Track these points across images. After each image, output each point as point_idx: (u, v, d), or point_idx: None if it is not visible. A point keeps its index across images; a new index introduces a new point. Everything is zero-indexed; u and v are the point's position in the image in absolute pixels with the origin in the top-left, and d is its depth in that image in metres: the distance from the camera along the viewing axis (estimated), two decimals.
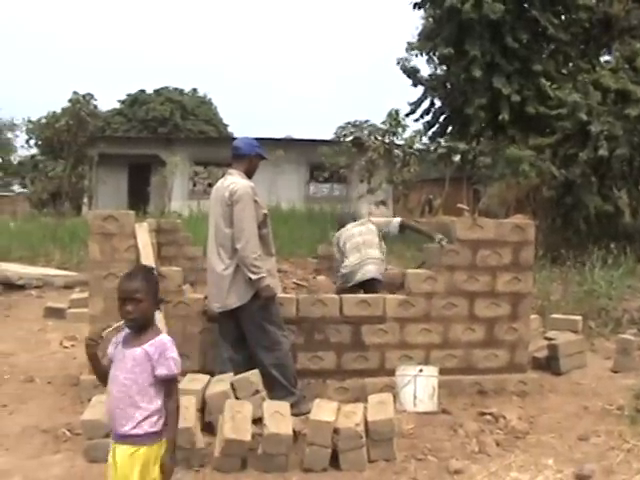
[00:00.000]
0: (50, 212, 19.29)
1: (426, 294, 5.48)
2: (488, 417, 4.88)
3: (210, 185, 22.00)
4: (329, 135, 28.35)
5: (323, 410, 4.11)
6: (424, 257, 6.45)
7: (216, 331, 5.14)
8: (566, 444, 4.56)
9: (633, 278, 9.80)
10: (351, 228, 6.66)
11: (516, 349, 5.67)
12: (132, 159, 22.71)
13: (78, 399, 5.12)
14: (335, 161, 19.78)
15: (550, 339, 6.63)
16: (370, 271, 6.33)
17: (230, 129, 36.71)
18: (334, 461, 4.06)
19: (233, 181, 4.85)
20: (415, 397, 4.97)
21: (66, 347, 6.70)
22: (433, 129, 18.73)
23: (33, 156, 27.27)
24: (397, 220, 6.90)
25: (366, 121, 30.29)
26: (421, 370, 5.00)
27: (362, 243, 6.58)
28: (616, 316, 8.01)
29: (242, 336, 4.92)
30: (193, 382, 4.52)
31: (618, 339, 6.60)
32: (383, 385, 5.30)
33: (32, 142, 26.97)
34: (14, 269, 9.88)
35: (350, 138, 27.48)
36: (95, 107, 23.82)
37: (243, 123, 66.28)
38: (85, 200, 21.87)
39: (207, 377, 4.60)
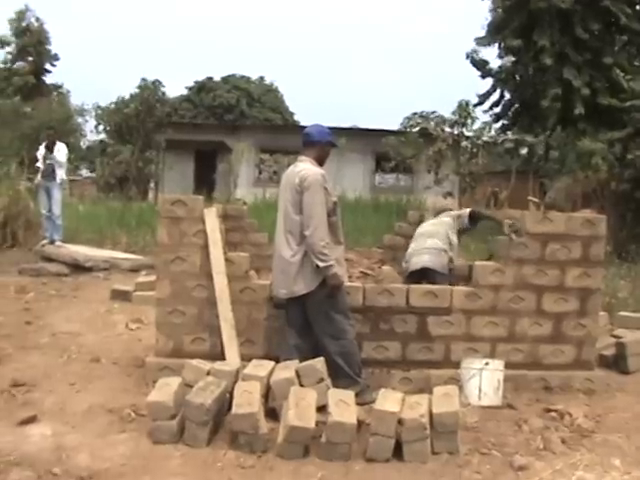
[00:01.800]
0: (117, 196, 19.75)
1: (493, 287, 5.40)
2: (553, 414, 4.79)
3: (275, 173, 22.22)
4: (395, 125, 28.11)
5: (388, 400, 4.10)
6: (491, 249, 6.36)
7: (282, 318, 5.18)
8: (634, 445, 4.43)
9: None
10: (429, 219, 6.66)
11: (583, 346, 5.53)
12: (198, 145, 23.02)
13: (143, 381, 5.22)
14: (401, 151, 19.61)
15: (618, 337, 6.46)
16: (422, 261, 6.28)
17: (296, 117, 36.85)
18: (397, 452, 4.04)
19: (304, 168, 4.87)
20: (480, 390, 4.91)
21: (131, 329, 6.85)
22: (502, 121, 18.43)
23: (101, 141, 27.96)
24: (467, 211, 6.84)
25: (433, 112, 29.92)
26: (487, 363, 4.94)
27: (424, 233, 6.55)
28: None
29: (308, 323, 4.95)
30: (258, 368, 4.56)
31: None
32: (447, 377, 5.26)
33: (100, 127, 27.65)
34: (82, 251, 10.16)
35: (417, 129, 27.24)
36: (163, 94, 24.24)
37: (309, 111, 66.42)
38: (152, 185, 22.30)
39: (272, 363, 4.63)
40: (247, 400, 4.06)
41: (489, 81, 19.02)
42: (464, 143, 17.65)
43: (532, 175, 32.74)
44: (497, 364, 4.98)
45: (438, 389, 4.36)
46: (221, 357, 5.05)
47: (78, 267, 9.50)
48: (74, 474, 3.68)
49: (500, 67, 18.41)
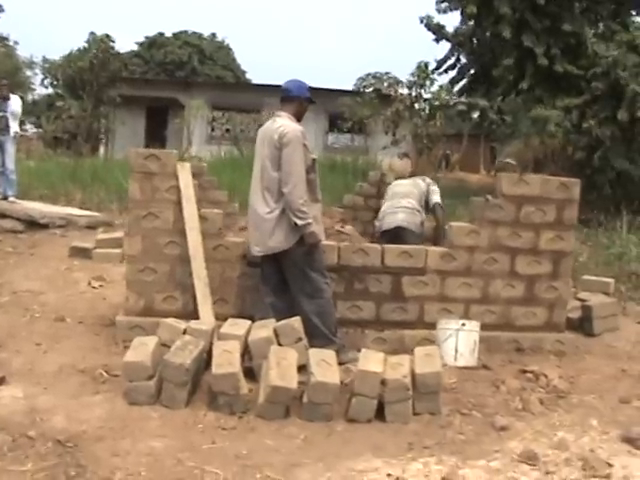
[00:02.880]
0: (65, 152, 19.10)
1: (468, 248, 5.39)
2: (529, 375, 4.82)
3: (228, 130, 21.82)
4: (348, 86, 27.91)
5: (370, 360, 4.04)
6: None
7: (255, 276, 5.07)
8: (608, 406, 4.49)
9: None
10: (402, 180, 6.58)
11: (555, 308, 5.59)
12: (150, 102, 22.40)
13: (112, 340, 5.06)
14: (357, 112, 19.45)
15: (582, 300, 6.54)
16: (397, 220, 6.23)
17: (247, 76, 36.21)
18: (379, 413, 4.01)
19: (282, 124, 4.71)
20: (456, 351, 4.91)
21: (94, 287, 6.63)
22: (459, 85, 18.39)
23: (49, 95, 26.90)
24: (436, 199, 6.78)
25: (386, 73, 29.84)
26: (464, 324, 4.93)
27: (398, 193, 6.48)
28: None
29: (283, 282, 4.85)
30: (234, 327, 4.45)
31: None
32: (421, 338, 5.26)
33: (47, 81, 26.60)
34: (37, 207, 9.78)
35: (370, 89, 27.10)
36: (112, 49, 23.39)
37: (260, 70, 65.18)
38: (103, 141, 21.64)
39: (248, 322, 4.52)
40: (227, 360, 3.95)
41: (447, 46, 18.89)
42: (421, 105, 17.59)
43: (484, 139, 33.06)
44: (473, 325, 4.98)
45: (419, 349, 4.32)
46: (193, 316, 4.91)
47: (33, 224, 9.13)
48: (50, 437, 3.50)
49: (456, 31, 18.28)
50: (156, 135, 21.50)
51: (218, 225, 5.10)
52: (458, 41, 17.74)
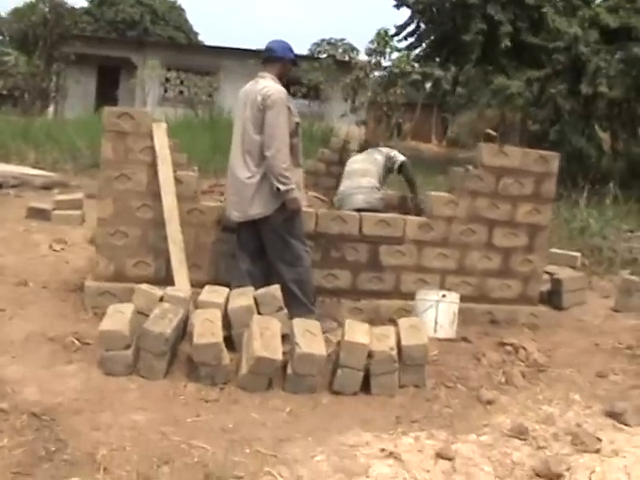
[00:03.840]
0: (12, 110, 18.31)
1: (446, 218, 5.31)
2: (508, 348, 4.79)
3: (182, 92, 21.27)
4: (303, 51, 27.53)
5: (356, 331, 3.93)
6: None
7: (230, 242, 4.90)
8: (586, 380, 4.50)
9: (615, 218, 9.79)
10: (358, 155, 6.52)
11: (529, 281, 5.59)
12: (102, 61, 21.59)
13: (81, 306, 4.83)
14: (314, 77, 19.20)
15: (550, 274, 6.57)
16: (357, 201, 6.06)
17: (200, 37, 35.36)
18: (363, 385, 3.92)
19: (266, 85, 4.51)
20: (436, 323, 4.85)
21: (56, 250, 6.34)
22: (417, 52, 18.32)
23: None
24: (401, 159, 6.47)
25: (342, 39, 29.59)
26: (444, 295, 4.87)
27: (356, 171, 6.30)
28: (608, 255, 8.02)
29: (261, 248, 4.69)
30: (213, 294, 4.26)
31: (622, 279, 6.59)
32: (397, 307, 5.20)
33: None
34: None
35: (325, 55, 26.84)
36: (65, 4, 22.35)
37: (213, 32, 63.48)
38: (53, 100, 20.77)
39: (226, 290, 4.35)
40: (209, 329, 3.79)
41: (408, 12, 18.73)
42: (381, 72, 17.46)
43: (436, 109, 33.14)
44: (453, 297, 4.93)
45: (403, 321, 4.23)
46: (166, 282, 4.71)
47: None
48: (24, 410, 3.27)
49: None
50: (107, 95, 20.75)
51: (193, 188, 4.89)
52: (418, 8, 17.60)
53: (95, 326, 4.48)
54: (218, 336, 3.77)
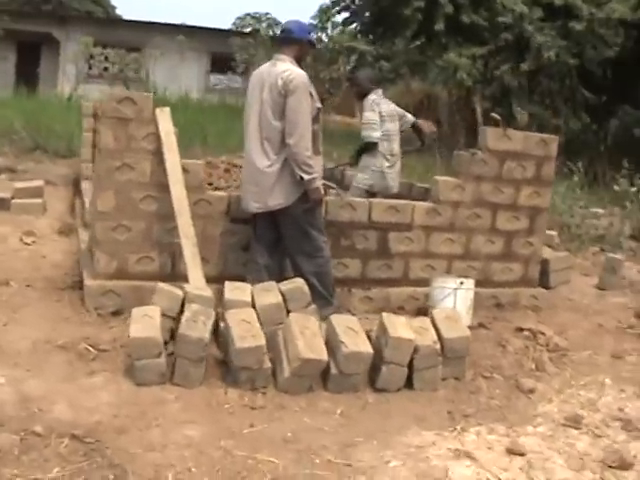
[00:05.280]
0: None
1: (453, 203, 5.22)
2: (526, 333, 4.77)
3: (106, 69, 20.35)
4: (226, 25, 26.93)
5: (398, 326, 3.77)
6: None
7: (239, 233, 4.67)
8: (605, 362, 4.55)
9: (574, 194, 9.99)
10: (388, 101, 6.52)
11: (529, 263, 5.60)
12: (21, 36, 20.29)
13: (80, 307, 4.47)
14: (251, 53, 18.71)
15: None
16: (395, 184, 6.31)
17: (118, 11, 33.81)
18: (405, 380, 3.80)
19: (288, 68, 4.25)
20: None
21: (27, 244, 5.86)
22: (352, 27, 18.12)
23: None
24: (412, 118, 6.68)
25: (266, 14, 29.03)
26: (462, 283, 4.77)
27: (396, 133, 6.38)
28: (577, 233, 8.16)
29: (277, 240, 4.47)
30: (237, 292, 3.99)
31: (606, 257, 6.70)
32: (406, 295, 5.12)
33: None
34: None
35: (249, 30, 26.30)
36: None
37: (131, 6, 60.60)
38: None
39: (248, 286, 4.09)
40: (248, 331, 3.55)
41: None
42: (320, 48, 17.19)
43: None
44: (470, 283, 4.84)
45: (437, 312, 4.12)
46: (171, 278, 4.45)
47: None
48: (63, 432, 2.94)
49: None
50: (28, 73, 19.58)
51: (200, 177, 4.59)
52: None
53: (103, 329, 4.21)
54: (260, 338, 3.54)
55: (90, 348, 3.84)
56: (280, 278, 4.33)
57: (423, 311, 4.91)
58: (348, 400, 3.61)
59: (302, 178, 4.20)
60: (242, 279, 4.35)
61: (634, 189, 8.86)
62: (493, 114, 5.32)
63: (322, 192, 4.35)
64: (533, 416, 3.64)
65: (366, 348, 3.63)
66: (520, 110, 12.62)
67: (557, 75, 13.02)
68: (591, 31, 12.48)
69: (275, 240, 4.46)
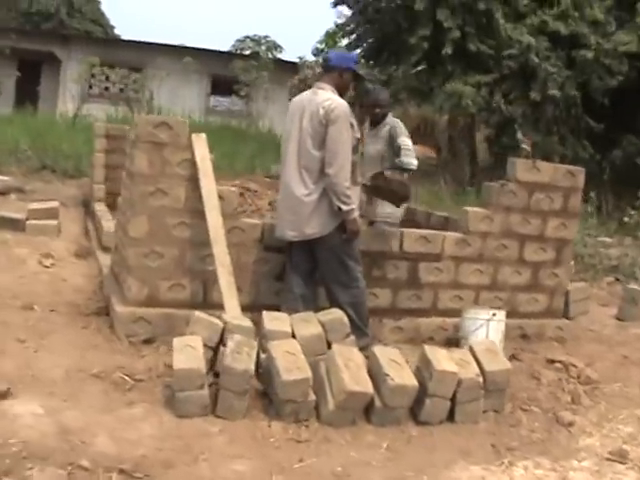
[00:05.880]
0: None
1: (482, 234, 5.21)
2: (558, 365, 4.75)
3: (107, 89, 20.39)
4: (225, 47, 27.09)
5: (441, 359, 3.75)
6: None
7: (272, 261, 4.64)
8: (638, 395, 4.54)
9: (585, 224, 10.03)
10: (401, 123, 5.81)
11: (555, 294, 5.59)
12: (23, 54, 20.32)
13: (109, 334, 4.40)
14: (255, 75, 18.79)
15: None
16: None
17: (116, 31, 33.94)
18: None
19: (329, 97, 4.24)
20: None
21: (46, 267, 5.80)
22: (357, 52, 18.20)
23: None
24: (415, 162, 5.63)
25: (265, 36, 29.24)
26: (494, 314, 4.75)
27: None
28: (591, 263, 8.19)
29: (312, 270, 4.45)
30: (277, 322, 3.94)
31: (625, 288, 6.72)
32: (436, 326, 5.09)
33: None
34: None
35: (248, 52, 26.48)
36: None
37: (130, 26, 60.68)
38: None
39: (286, 316, 4.06)
40: (294, 363, 3.51)
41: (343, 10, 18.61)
42: None
43: (358, 106, 33.29)
44: (502, 315, 4.82)
45: (477, 344, 4.10)
46: (203, 306, 4.40)
47: None
48: (109, 466, 2.88)
49: None
50: (28, 91, 19.57)
51: (234, 204, 4.57)
52: (359, 8, 17.51)
53: (135, 358, 4.14)
54: (306, 370, 3.50)
55: (126, 377, 3.77)
56: (315, 308, 4.31)
57: (454, 342, 4.92)
58: (392, 433, 3.57)
59: (340, 209, 4.18)
60: (274, 308, 4.32)
61: None
62: (524, 146, 5.33)
63: (359, 224, 4.33)
64: (576, 450, 3.63)
65: (411, 381, 3.60)
66: (523, 139, 12.68)
67: (563, 103, 13.11)
68: (597, 60, 12.63)
69: (311, 270, 4.44)
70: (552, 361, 4.80)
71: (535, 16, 13.44)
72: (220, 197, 4.44)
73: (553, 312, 5.57)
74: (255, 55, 24.41)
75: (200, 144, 4.38)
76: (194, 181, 4.39)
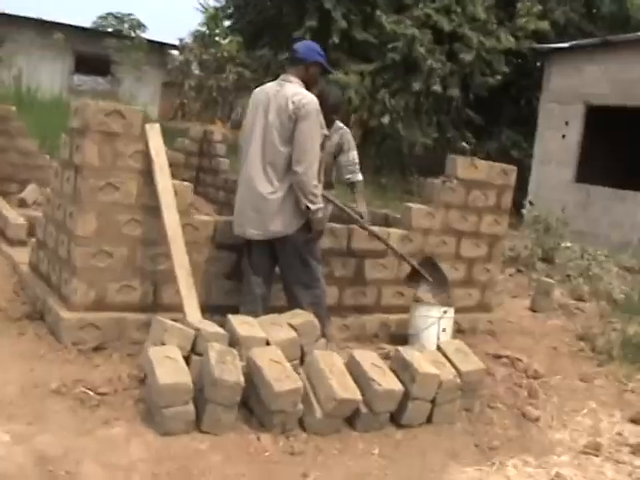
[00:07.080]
0: None
1: (424, 230, 5.24)
2: (504, 360, 4.88)
3: None
4: (87, 24, 25.55)
5: (421, 361, 3.71)
6: None
7: (224, 260, 4.40)
8: (580, 386, 4.76)
9: None
10: (350, 135, 5.60)
11: (486, 289, 5.73)
12: None
13: (54, 342, 3.96)
14: (131, 56, 17.89)
15: None
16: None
17: None
18: None
19: (299, 92, 4.04)
20: (438, 339, 4.75)
21: None
22: (236, 37, 17.91)
23: None
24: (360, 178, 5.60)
25: (129, 14, 28.01)
26: (445, 311, 4.79)
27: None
28: None
29: (272, 269, 4.27)
30: (247, 327, 3.72)
31: (538, 281, 7.04)
32: (380, 323, 5.08)
33: None
34: None
35: (110, 30, 25.31)
36: None
37: None
38: None
39: (254, 320, 3.85)
40: (283, 372, 3.34)
41: None
42: (206, 56, 16.77)
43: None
44: (452, 311, 4.87)
45: (446, 344, 4.11)
46: (152, 308, 4.14)
47: None
48: None
49: None
50: None
51: (188, 200, 4.27)
52: None
53: (88, 368, 3.79)
54: (296, 380, 3.33)
55: (89, 392, 3.42)
56: (270, 308, 4.16)
57: (398, 339, 4.91)
58: (378, 439, 3.51)
59: (308, 207, 4.03)
60: (226, 308, 4.13)
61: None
62: (464, 143, 5.40)
63: (325, 223, 4.20)
64: (550, 445, 3.74)
65: (397, 386, 3.55)
66: (465, 145, 12.92)
67: (444, 96, 13.57)
68: (478, 57, 13.15)
69: (271, 269, 4.26)
70: (498, 356, 4.92)
71: (418, 8, 13.72)
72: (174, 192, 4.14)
73: (484, 306, 5.72)
74: (118, 33, 23.39)
75: (154, 135, 4.05)
76: (146, 175, 4.06)
